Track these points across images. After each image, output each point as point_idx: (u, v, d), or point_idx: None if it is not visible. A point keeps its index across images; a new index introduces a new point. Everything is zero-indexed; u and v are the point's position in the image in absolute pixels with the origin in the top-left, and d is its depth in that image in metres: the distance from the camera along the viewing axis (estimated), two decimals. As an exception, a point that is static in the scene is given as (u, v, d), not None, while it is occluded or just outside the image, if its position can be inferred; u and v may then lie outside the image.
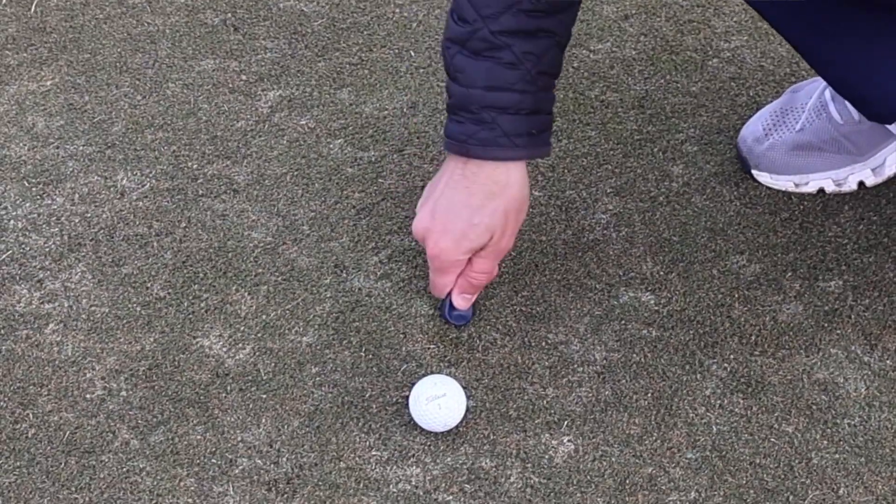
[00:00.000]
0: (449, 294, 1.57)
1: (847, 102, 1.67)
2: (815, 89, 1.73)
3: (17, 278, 1.67)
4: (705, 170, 1.77)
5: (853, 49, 1.48)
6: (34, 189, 1.77)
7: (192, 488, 1.48)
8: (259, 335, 1.61)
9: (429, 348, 1.59)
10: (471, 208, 1.49)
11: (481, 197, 1.48)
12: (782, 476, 1.47)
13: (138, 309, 1.64)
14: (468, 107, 1.46)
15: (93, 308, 1.64)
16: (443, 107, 1.85)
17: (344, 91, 1.89)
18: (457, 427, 1.52)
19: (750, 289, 1.63)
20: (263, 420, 1.53)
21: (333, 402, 1.54)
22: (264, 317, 1.62)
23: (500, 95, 1.44)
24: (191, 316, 1.63)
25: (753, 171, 1.74)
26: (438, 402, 1.49)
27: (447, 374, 1.56)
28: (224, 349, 1.59)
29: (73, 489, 1.48)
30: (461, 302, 1.57)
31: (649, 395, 1.54)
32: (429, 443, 1.51)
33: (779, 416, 1.52)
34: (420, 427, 1.51)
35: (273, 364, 1.58)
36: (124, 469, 1.49)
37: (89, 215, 1.73)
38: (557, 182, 1.75)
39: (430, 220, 1.51)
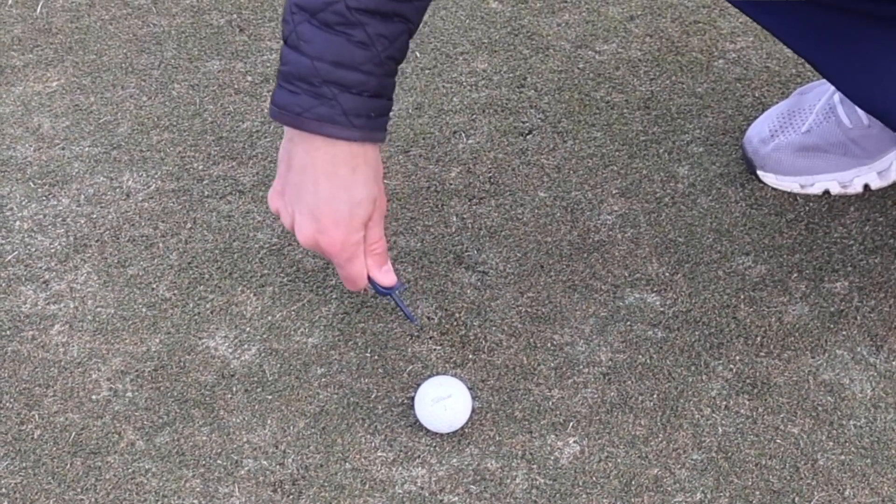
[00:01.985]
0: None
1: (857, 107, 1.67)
2: (824, 92, 1.72)
3: (23, 279, 1.67)
4: (711, 171, 1.77)
5: (863, 61, 1.48)
6: (40, 190, 1.77)
7: (198, 489, 1.48)
8: (265, 336, 1.61)
9: (434, 349, 1.59)
10: (346, 189, 1.44)
11: (348, 171, 1.43)
12: (788, 477, 1.47)
13: (144, 310, 1.64)
14: (309, 79, 1.40)
15: (98, 309, 1.64)
16: (448, 107, 1.85)
17: (349, 92, 1.89)
18: (462, 428, 1.51)
19: (756, 290, 1.63)
20: (269, 421, 1.53)
21: (339, 403, 1.54)
22: (270, 318, 1.62)
23: (345, 73, 1.39)
24: (196, 317, 1.63)
25: (759, 172, 1.74)
26: (444, 403, 1.49)
27: (453, 376, 1.56)
28: (230, 350, 1.59)
29: (79, 490, 1.48)
30: (385, 277, 1.51)
31: (655, 396, 1.54)
32: (434, 444, 1.51)
33: (784, 418, 1.52)
34: (425, 428, 1.51)
35: (279, 365, 1.58)
36: (130, 470, 1.49)
37: (95, 216, 1.74)
38: (563, 183, 1.75)
39: (316, 223, 1.45)
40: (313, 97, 1.39)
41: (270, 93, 1.88)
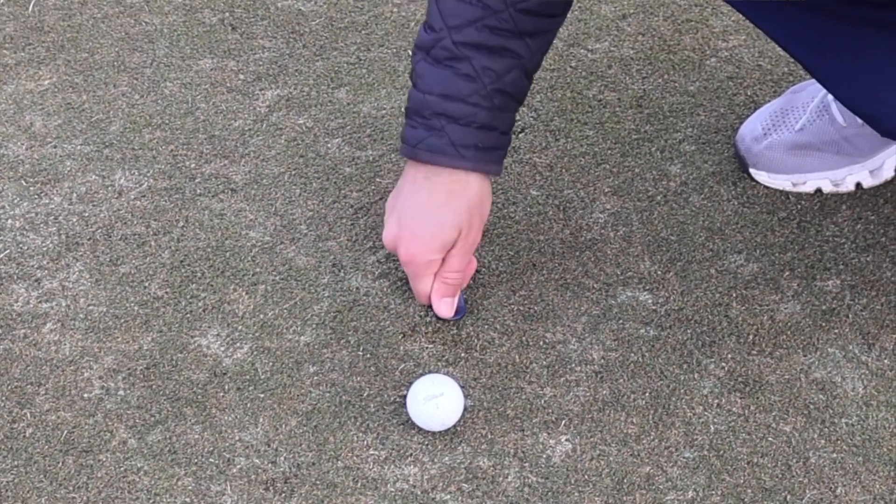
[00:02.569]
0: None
1: None
2: (819, 90, 1.72)
3: (15, 277, 1.67)
4: (703, 169, 1.77)
5: (861, 66, 1.48)
6: (32, 188, 1.77)
7: (190, 487, 1.48)
8: (257, 334, 1.61)
9: (427, 347, 1.59)
10: (435, 208, 1.52)
11: (443, 196, 1.51)
12: (780, 475, 1.47)
13: (136, 308, 1.64)
14: (421, 112, 1.48)
15: (90, 307, 1.64)
16: (441, 106, 1.85)
17: (342, 90, 1.89)
18: (454, 426, 1.51)
19: (748, 288, 1.63)
20: (261, 419, 1.53)
21: (331, 401, 1.54)
22: (262, 316, 1.62)
23: (453, 105, 1.46)
24: (188, 315, 1.63)
25: (751, 170, 1.74)
26: (436, 401, 1.49)
27: (445, 374, 1.56)
28: (222, 348, 1.59)
29: (71, 488, 1.48)
30: (443, 308, 1.58)
31: (647, 394, 1.54)
32: (426, 442, 1.51)
33: (776, 416, 1.52)
34: (418, 426, 1.51)
35: (271, 363, 1.58)
36: (122, 468, 1.49)
37: (87, 214, 1.73)
38: (555, 181, 1.75)
39: (398, 228, 1.55)
40: (426, 129, 1.48)
41: (271, 92, 1.89)
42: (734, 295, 1.63)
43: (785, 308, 1.61)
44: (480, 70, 1.45)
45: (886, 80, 1.47)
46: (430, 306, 1.60)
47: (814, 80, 1.76)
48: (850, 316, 1.60)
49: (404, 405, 1.52)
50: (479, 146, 1.48)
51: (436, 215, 1.52)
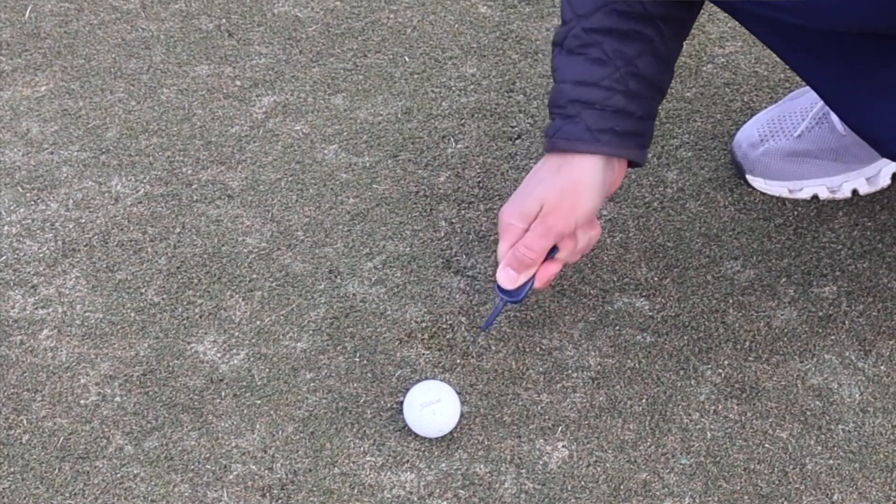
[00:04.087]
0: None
1: None
2: (817, 98, 1.72)
3: (12, 284, 1.67)
4: (700, 175, 1.77)
5: (872, 95, 1.48)
6: (28, 195, 1.77)
7: (187, 494, 1.48)
8: (253, 341, 1.60)
9: (423, 354, 1.59)
10: (536, 179, 1.50)
11: (548, 171, 1.49)
12: (776, 482, 1.47)
13: (132, 314, 1.63)
14: (558, 101, 1.48)
15: (87, 314, 1.64)
16: (437, 112, 1.85)
17: (338, 96, 1.89)
18: (451, 433, 1.51)
19: (744, 294, 1.63)
20: (258, 426, 1.53)
21: (328, 407, 1.54)
22: (258, 322, 1.62)
23: (586, 90, 1.46)
24: (185, 321, 1.63)
25: (748, 177, 1.74)
26: (433, 407, 1.49)
27: (441, 380, 1.56)
28: (218, 355, 1.59)
29: (68, 495, 1.48)
30: (503, 276, 1.51)
31: (644, 400, 1.54)
32: (423, 448, 1.51)
33: (773, 422, 1.52)
34: (414, 433, 1.51)
35: (267, 370, 1.58)
36: (118, 475, 1.49)
37: (83, 221, 1.73)
38: (552, 188, 1.75)
39: (517, 192, 1.52)
40: (562, 118, 1.48)
41: (267, 98, 1.89)
42: (731, 301, 1.63)
43: (781, 314, 1.61)
44: (612, 53, 1.45)
45: (886, 103, 1.47)
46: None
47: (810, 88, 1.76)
48: (847, 322, 1.61)
49: (401, 411, 1.52)
50: (615, 130, 1.47)
51: (532, 184, 1.50)
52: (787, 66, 1.87)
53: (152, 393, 1.56)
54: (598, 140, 1.46)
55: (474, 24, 1.99)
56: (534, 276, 1.51)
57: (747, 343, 1.59)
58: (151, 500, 1.47)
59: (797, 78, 1.87)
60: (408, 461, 1.50)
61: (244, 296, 1.65)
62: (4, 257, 1.70)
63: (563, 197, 1.48)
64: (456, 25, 1.99)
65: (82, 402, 1.55)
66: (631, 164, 1.53)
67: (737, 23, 1.94)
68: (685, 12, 1.50)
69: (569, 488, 1.47)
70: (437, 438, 1.51)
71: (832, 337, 1.59)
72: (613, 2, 1.44)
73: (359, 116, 1.86)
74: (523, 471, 1.49)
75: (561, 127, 1.47)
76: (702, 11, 1.97)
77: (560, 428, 1.52)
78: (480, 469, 1.49)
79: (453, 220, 1.72)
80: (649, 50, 1.46)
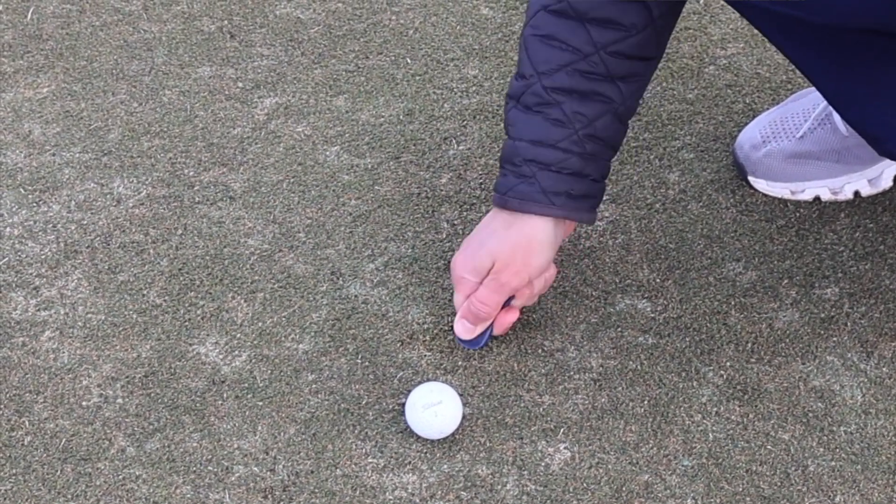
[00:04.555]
0: None
1: None
2: (819, 100, 1.72)
3: (14, 285, 1.67)
4: (702, 177, 1.77)
5: (872, 92, 1.48)
6: (30, 196, 1.77)
7: (189, 496, 1.48)
8: (255, 342, 1.60)
9: (425, 356, 1.59)
10: (486, 232, 1.51)
11: (499, 225, 1.50)
12: (778, 483, 1.47)
13: (134, 316, 1.64)
14: (513, 159, 1.47)
15: (89, 315, 1.64)
16: (439, 113, 1.85)
17: (340, 98, 1.89)
18: (453, 434, 1.51)
19: (746, 296, 1.63)
20: (259, 427, 1.53)
21: (329, 409, 1.54)
22: (260, 324, 1.62)
23: (543, 151, 1.45)
24: (187, 323, 1.63)
25: (750, 178, 1.74)
26: (435, 409, 1.49)
27: (443, 382, 1.56)
28: (220, 356, 1.59)
29: (69, 496, 1.48)
30: (459, 327, 1.56)
31: (646, 402, 1.54)
32: (425, 450, 1.51)
33: (775, 424, 1.52)
34: (416, 434, 1.51)
35: (269, 371, 1.58)
36: (120, 476, 1.49)
37: (85, 222, 1.73)
38: (554, 189, 1.75)
39: (464, 243, 1.55)
40: (516, 177, 1.47)
41: (269, 100, 1.89)
42: (733, 303, 1.63)
43: (783, 316, 1.61)
44: (571, 115, 1.44)
45: (887, 101, 1.47)
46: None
47: (813, 89, 1.76)
48: (849, 324, 1.60)
49: (403, 413, 1.52)
50: (570, 193, 1.47)
51: (483, 238, 1.51)
52: (789, 68, 1.88)
53: (154, 394, 1.56)
54: (552, 203, 1.47)
55: (476, 25, 1.99)
56: (492, 325, 1.56)
57: (749, 345, 1.59)
58: (153, 501, 1.47)
59: (799, 79, 1.87)
60: (410, 463, 1.50)
61: (246, 297, 1.65)
62: (6, 259, 1.70)
63: (515, 253, 1.50)
64: (458, 27, 1.99)
65: (84, 403, 1.56)
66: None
67: (739, 25, 1.94)
68: (646, 68, 1.49)
69: (571, 490, 1.47)
70: (438, 440, 1.51)
71: (834, 338, 1.59)
72: (576, 61, 1.43)
73: (361, 118, 1.86)
74: (525, 472, 1.49)
75: (514, 185, 1.47)
76: (703, 13, 1.98)
77: (562, 429, 1.52)
78: (482, 471, 1.49)
79: (455, 222, 1.72)
80: (609, 110, 1.46)
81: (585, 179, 1.48)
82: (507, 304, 1.55)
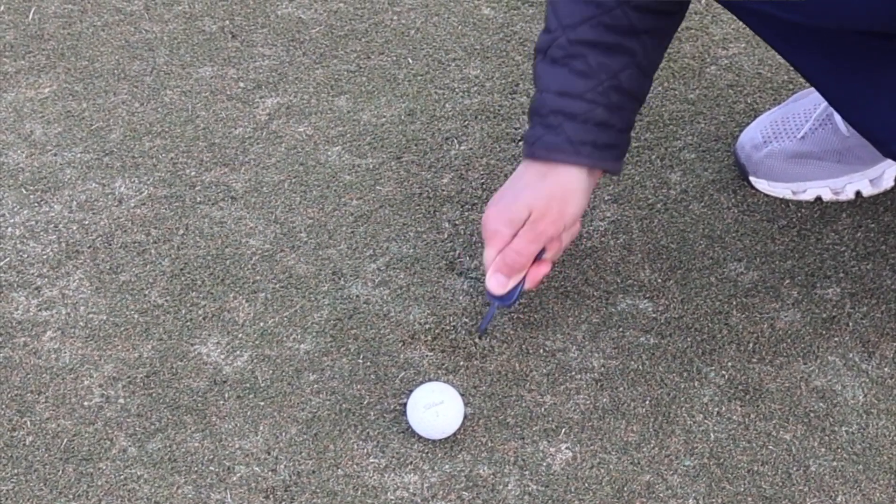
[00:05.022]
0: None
1: None
2: (821, 100, 1.72)
3: (15, 286, 1.67)
4: (703, 177, 1.77)
5: (873, 94, 1.48)
6: (32, 196, 1.77)
7: (190, 496, 1.48)
8: (257, 342, 1.60)
9: (427, 356, 1.59)
10: (520, 185, 1.51)
11: (533, 177, 1.51)
12: (780, 483, 1.47)
13: (136, 316, 1.64)
14: (539, 110, 1.49)
15: (90, 315, 1.64)
16: (441, 113, 1.85)
17: (342, 98, 1.89)
18: (455, 434, 1.51)
19: (748, 296, 1.63)
20: (261, 427, 1.53)
21: (331, 409, 1.54)
22: (262, 324, 1.62)
23: (569, 102, 1.47)
24: (188, 323, 1.63)
25: (751, 178, 1.74)
26: (436, 409, 1.49)
27: (445, 382, 1.56)
28: (222, 356, 1.59)
29: (71, 496, 1.48)
30: (492, 282, 1.54)
31: (647, 402, 1.54)
32: (427, 450, 1.51)
33: (777, 424, 1.52)
34: (418, 434, 1.51)
35: (271, 371, 1.58)
36: (122, 476, 1.49)
37: (87, 223, 1.73)
38: (555, 189, 1.75)
39: (496, 197, 1.54)
40: (543, 128, 1.48)
41: (271, 100, 1.89)
42: (734, 303, 1.63)
43: (785, 316, 1.61)
44: (596, 67, 1.46)
45: (889, 102, 1.47)
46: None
47: (814, 89, 1.76)
48: (851, 324, 1.60)
49: (404, 413, 1.52)
50: (595, 143, 1.48)
51: (517, 190, 1.51)
52: (790, 68, 1.88)
53: (156, 394, 1.56)
54: (578, 152, 1.48)
55: (477, 25, 1.99)
56: (524, 279, 1.53)
57: (751, 345, 1.59)
58: (155, 501, 1.47)
59: (800, 80, 1.87)
60: (411, 463, 1.50)
61: (247, 297, 1.65)
62: (8, 259, 1.70)
63: (551, 202, 1.50)
64: (459, 27, 1.99)
65: (86, 403, 1.56)
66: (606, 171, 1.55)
67: (740, 25, 1.94)
68: (669, 23, 1.51)
69: (572, 490, 1.47)
70: (440, 440, 1.51)
71: (836, 339, 1.59)
72: (600, 14, 1.45)
73: (362, 118, 1.86)
74: (527, 472, 1.49)
75: (542, 136, 1.49)
76: (705, 13, 1.98)
77: (563, 429, 1.52)
78: (484, 471, 1.49)
79: (457, 222, 1.72)
80: (633, 63, 1.47)
81: (611, 130, 1.49)
82: (537, 259, 1.54)
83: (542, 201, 1.50)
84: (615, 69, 1.46)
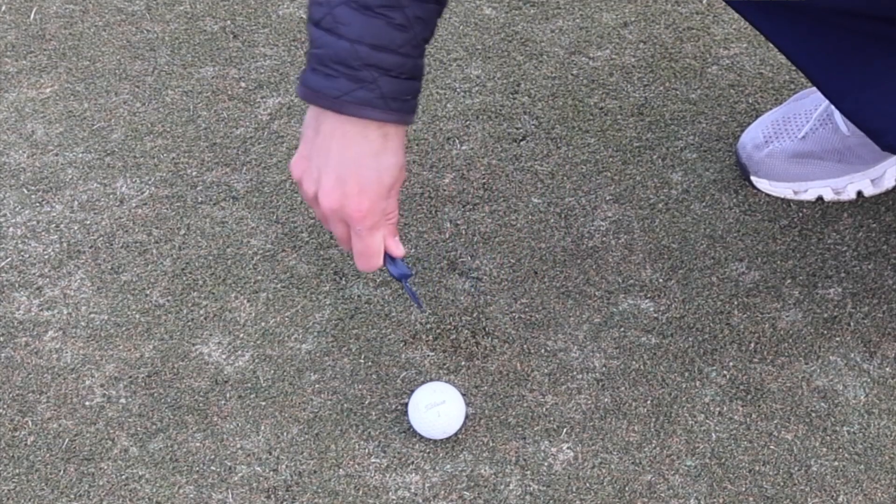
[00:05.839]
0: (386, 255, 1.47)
1: None
2: (822, 100, 1.72)
3: (17, 285, 1.67)
4: (704, 177, 1.77)
5: (865, 80, 1.48)
6: (33, 196, 1.77)
7: (192, 495, 1.48)
8: (258, 342, 1.61)
9: (428, 356, 1.59)
10: (375, 156, 1.42)
11: (378, 143, 1.41)
12: (781, 483, 1.47)
13: (137, 316, 1.64)
14: (348, 62, 1.38)
15: (92, 315, 1.64)
16: (441, 113, 1.85)
17: (343, 98, 1.89)
18: (456, 434, 1.51)
19: (749, 296, 1.63)
20: (262, 427, 1.53)
21: (333, 409, 1.54)
22: (263, 324, 1.62)
23: (385, 56, 1.38)
24: (190, 323, 1.63)
25: (752, 178, 1.74)
26: (437, 409, 1.49)
27: (446, 382, 1.56)
28: (223, 356, 1.59)
29: (73, 496, 1.48)
30: (397, 246, 1.46)
31: (648, 402, 1.54)
32: (428, 450, 1.51)
33: (778, 424, 1.52)
34: (419, 434, 1.51)
35: (272, 371, 1.58)
36: (123, 476, 1.49)
37: (88, 222, 1.73)
38: (557, 189, 1.76)
39: (343, 187, 1.41)
40: (351, 80, 1.38)
41: (272, 100, 1.89)
42: (736, 303, 1.63)
43: (786, 316, 1.61)
44: (413, 19, 1.37)
45: (887, 94, 1.47)
46: (388, 273, 1.50)
47: (815, 89, 1.76)
48: (852, 324, 1.60)
49: (406, 413, 1.52)
50: (405, 98, 1.41)
51: (376, 162, 1.41)
52: (792, 68, 1.88)
53: (157, 394, 1.56)
54: (390, 108, 1.39)
55: (479, 25, 1.99)
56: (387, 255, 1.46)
57: (752, 344, 1.59)
58: (156, 501, 1.47)
59: (802, 79, 1.88)
60: (413, 463, 1.50)
61: (249, 297, 1.65)
62: (9, 259, 1.70)
63: (403, 153, 1.43)
64: (461, 27, 1.99)
65: (87, 403, 1.56)
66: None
67: (741, 24, 1.94)
68: None
69: (574, 490, 1.47)
70: (441, 440, 1.51)
71: (837, 338, 1.59)
72: None
73: (363, 118, 1.86)
74: (528, 472, 1.49)
75: (352, 90, 1.38)
76: (707, 13, 1.98)
77: (565, 429, 1.52)
78: (485, 470, 1.49)
79: (458, 222, 1.72)
80: (437, 11, 1.40)
81: (416, 82, 1.41)
82: None
83: (401, 156, 1.42)
84: (427, 20, 1.39)
